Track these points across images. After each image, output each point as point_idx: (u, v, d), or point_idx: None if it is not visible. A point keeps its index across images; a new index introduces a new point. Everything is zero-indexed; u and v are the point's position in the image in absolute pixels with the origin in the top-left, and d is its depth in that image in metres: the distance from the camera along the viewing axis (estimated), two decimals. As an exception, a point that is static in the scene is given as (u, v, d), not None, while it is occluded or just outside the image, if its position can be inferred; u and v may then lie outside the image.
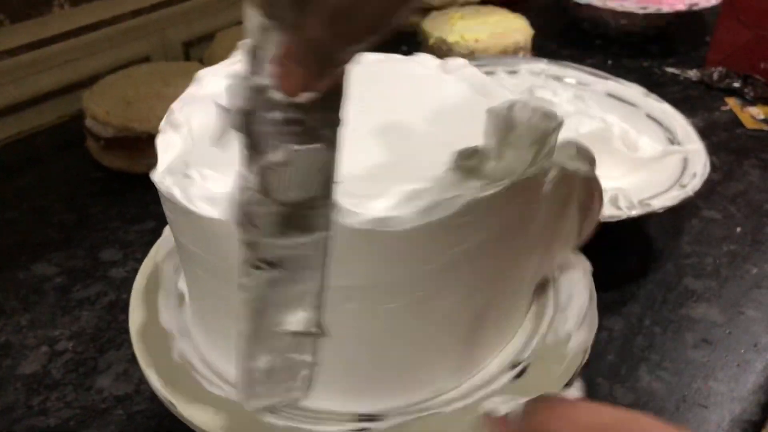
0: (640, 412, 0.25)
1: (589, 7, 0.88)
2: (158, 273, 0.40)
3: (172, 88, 0.62)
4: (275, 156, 0.23)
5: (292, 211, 0.25)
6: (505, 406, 0.28)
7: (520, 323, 0.36)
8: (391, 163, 0.32)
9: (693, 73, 0.82)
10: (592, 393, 0.44)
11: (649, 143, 0.59)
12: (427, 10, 0.88)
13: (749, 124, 0.73)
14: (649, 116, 0.62)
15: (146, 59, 0.77)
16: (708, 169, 0.54)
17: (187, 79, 0.39)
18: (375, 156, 0.32)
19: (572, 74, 0.67)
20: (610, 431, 0.25)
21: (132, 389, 0.44)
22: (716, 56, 0.81)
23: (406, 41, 0.82)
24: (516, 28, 0.80)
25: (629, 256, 0.56)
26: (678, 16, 0.87)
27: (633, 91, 0.64)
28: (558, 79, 0.67)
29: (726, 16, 0.79)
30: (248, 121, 0.23)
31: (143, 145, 0.61)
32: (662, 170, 0.56)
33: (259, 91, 0.22)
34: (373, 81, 0.39)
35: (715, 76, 0.80)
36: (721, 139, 0.70)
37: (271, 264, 0.26)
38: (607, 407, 0.26)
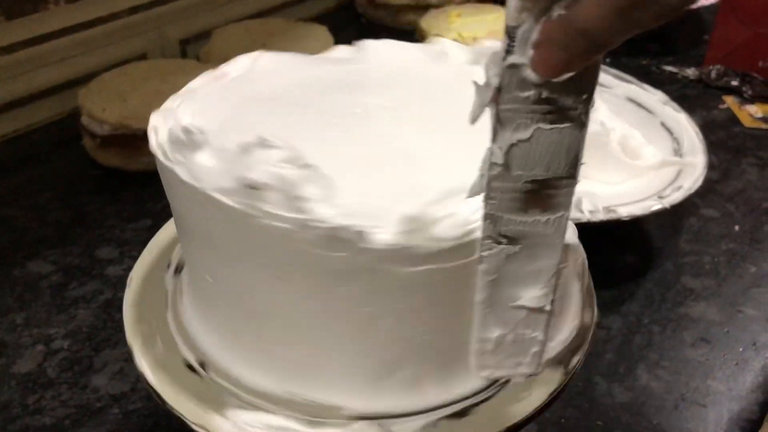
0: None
1: (587, 5, 0.87)
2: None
3: (169, 85, 0.62)
4: (523, 133, 0.24)
5: (535, 189, 0.25)
6: None
7: None
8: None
9: (691, 72, 0.82)
10: (590, 392, 0.44)
11: (653, 152, 0.58)
12: (424, 8, 0.88)
13: (747, 123, 0.73)
14: (663, 125, 0.62)
15: (143, 57, 0.77)
16: (698, 184, 0.53)
17: (184, 77, 0.39)
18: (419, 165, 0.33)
19: None
20: None
21: (128, 388, 0.43)
22: (715, 55, 0.81)
23: (405, 39, 0.82)
24: (514, 26, 0.79)
25: (628, 254, 0.56)
26: (676, 14, 0.87)
27: (654, 98, 0.64)
28: None
29: (724, 14, 0.79)
30: (500, 97, 0.24)
31: (139, 143, 0.61)
32: (658, 179, 0.55)
33: (514, 70, 0.23)
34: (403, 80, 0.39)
35: (714, 74, 0.80)
36: (719, 137, 0.70)
37: (511, 239, 0.26)
38: None
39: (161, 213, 0.58)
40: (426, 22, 0.82)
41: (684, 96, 0.77)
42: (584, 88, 0.23)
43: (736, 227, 0.59)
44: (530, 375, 0.30)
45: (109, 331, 0.48)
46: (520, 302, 0.28)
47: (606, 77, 0.67)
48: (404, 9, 0.92)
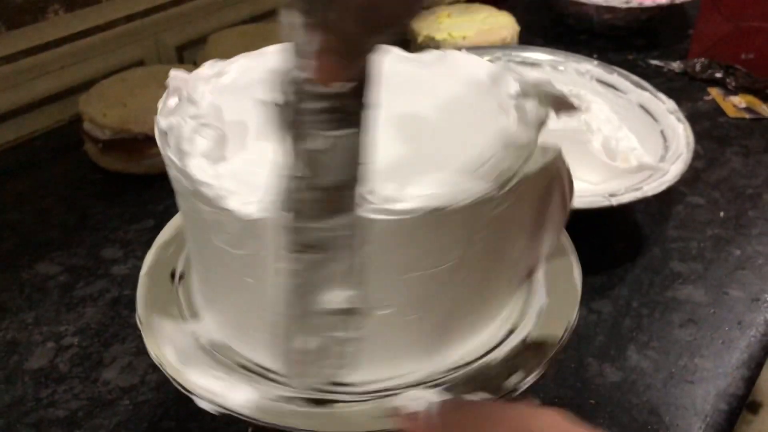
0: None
1: (573, 2, 0.89)
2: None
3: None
4: (316, 143, 0.25)
5: (333, 194, 0.27)
6: (415, 403, 0.29)
7: (496, 315, 0.38)
8: (411, 155, 0.33)
9: (676, 65, 0.84)
10: (582, 372, 0.46)
11: (639, 156, 0.59)
12: (415, 10, 0.89)
13: (731, 113, 0.75)
14: (662, 133, 0.63)
15: (140, 63, 0.78)
16: (660, 189, 0.53)
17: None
18: (393, 149, 0.34)
19: (615, 80, 0.69)
20: (520, 428, 0.26)
21: (137, 380, 0.45)
22: (699, 48, 0.83)
23: (396, 40, 0.84)
24: (502, 24, 0.81)
25: (617, 241, 0.58)
26: (660, 9, 0.89)
27: (663, 106, 0.65)
28: (600, 81, 0.69)
29: (707, 8, 0.81)
30: (288, 112, 0.25)
31: (140, 146, 0.63)
32: (637, 182, 0.56)
33: (297, 84, 0.24)
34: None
35: (698, 67, 0.82)
36: (705, 127, 0.72)
37: (312, 247, 0.27)
38: (515, 405, 0.28)
39: (163, 213, 0.60)
40: (417, 22, 0.84)
41: (670, 89, 0.78)
42: (363, 95, 0.25)
43: (722, 213, 0.61)
44: (343, 376, 0.31)
45: (116, 328, 0.49)
46: (330, 306, 0.29)
47: (624, 83, 0.68)
48: (395, 11, 0.94)
